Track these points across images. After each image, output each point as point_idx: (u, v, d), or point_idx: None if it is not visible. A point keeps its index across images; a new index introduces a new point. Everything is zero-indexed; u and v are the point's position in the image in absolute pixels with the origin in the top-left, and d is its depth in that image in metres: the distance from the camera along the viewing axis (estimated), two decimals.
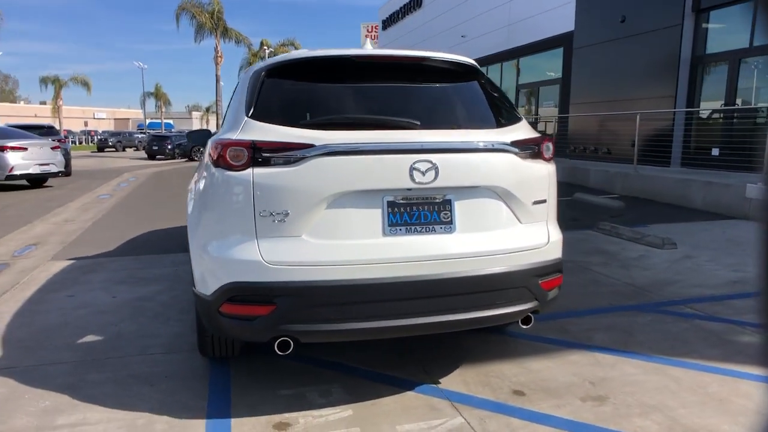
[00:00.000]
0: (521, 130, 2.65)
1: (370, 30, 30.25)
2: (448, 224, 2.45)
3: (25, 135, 12.82)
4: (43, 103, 56.95)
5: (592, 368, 2.96)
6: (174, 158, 26.30)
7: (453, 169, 2.41)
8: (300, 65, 2.72)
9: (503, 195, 2.52)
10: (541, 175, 2.63)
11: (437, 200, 2.44)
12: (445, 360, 3.08)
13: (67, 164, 14.65)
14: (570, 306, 3.86)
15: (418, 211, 2.41)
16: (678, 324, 3.62)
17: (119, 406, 2.56)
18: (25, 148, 11.85)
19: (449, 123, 2.62)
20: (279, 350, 2.32)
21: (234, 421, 2.46)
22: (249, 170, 2.28)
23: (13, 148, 11.66)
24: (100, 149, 39.93)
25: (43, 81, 43.60)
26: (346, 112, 2.57)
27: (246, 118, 2.44)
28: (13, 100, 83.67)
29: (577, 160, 12.80)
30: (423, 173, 2.34)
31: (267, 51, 39.42)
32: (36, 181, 12.68)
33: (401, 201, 2.39)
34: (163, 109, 65.02)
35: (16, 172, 11.65)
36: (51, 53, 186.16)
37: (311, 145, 2.27)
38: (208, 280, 2.39)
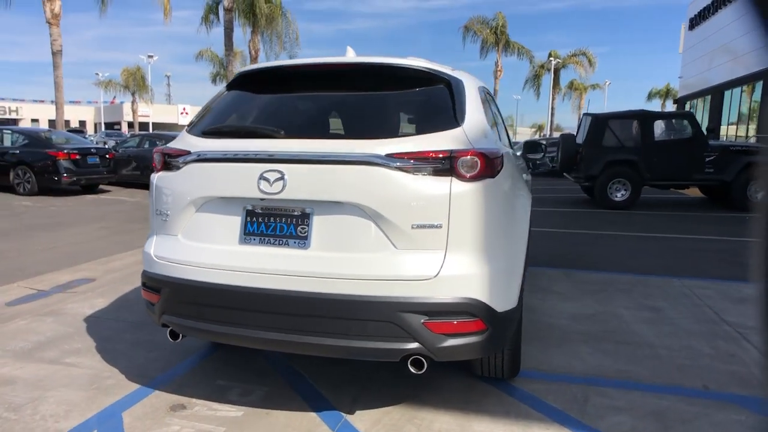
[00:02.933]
0: (424, 141, 2.23)
1: None
2: (303, 239, 2.26)
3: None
4: None
5: None
6: None
7: (306, 181, 2.22)
8: (236, 78, 2.85)
9: (372, 214, 2.19)
10: (431, 194, 2.17)
11: (295, 213, 2.28)
12: (385, 396, 2.78)
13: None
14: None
15: (275, 222, 2.30)
16: None
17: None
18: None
19: (338, 131, 2.40)
20: (170, 338, 2.54)
21: (153, 394, 2.77)
22: (155, 174, 2.57)
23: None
24: None
25: None
26: (254, 122, 2.60)
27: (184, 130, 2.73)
28: None
29: None
30: (270, 183, 2.23)
31: (554, 62, 38.56)
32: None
33: (260, 211, 2.32)
34: None
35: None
36: None
37: (188, 152, 2.42)
38: None
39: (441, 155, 2.18)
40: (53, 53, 17.26)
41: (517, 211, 2.55)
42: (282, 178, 2.23)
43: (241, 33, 20.33)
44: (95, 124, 55.80)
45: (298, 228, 2.28)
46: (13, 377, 2.92)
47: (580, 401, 2.74)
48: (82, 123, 54.90)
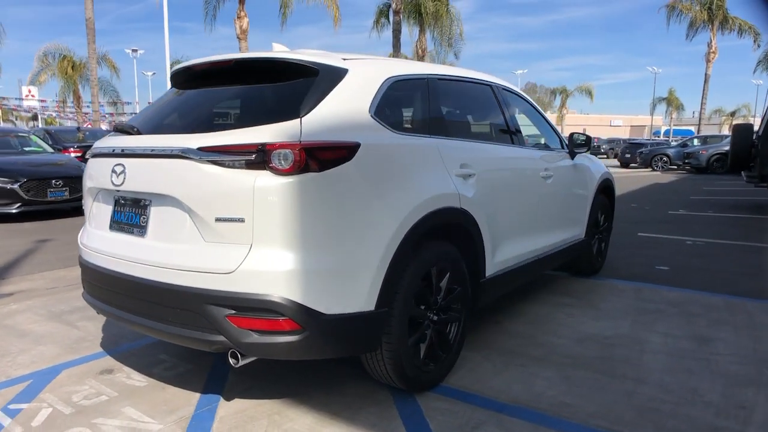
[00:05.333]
0: (243, 134, 2.16)
1: None
2: (143, 228, 2.40)
3: None
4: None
5: None
6: (650, 167, 25.05)
7: (139, 174, 2.35)
8: (170, 79, 3.05)
9: (186, 207, 2.22)
10: (234, 188, 2.10)
11: (141, 204, 2.42)
12: (275, 390, 2.77)
13: None
14: None
15: (129, 212, 2.48)
16: None
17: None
18: None
19: (186, 127, 2.44)
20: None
21: (103, 358, 3.19)
22: None
23: None
24: (593, 155, 41.75)
25: (552, 93, 49.22)
26: (143, 119, 2.81)
27: None
28: None
29: None
30: (117, 176, 2.43)
31: None
32: None
33: (122, 201, 2.52)
34: (674, 115, 61.64)
35: None
36: (593, 64, 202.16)
37: (92, 147, 2.74)
38: None
39: (250, 148, 2.12)
40: None
41: (369, 209, 2.31)
42: (124, 171, 2.42)
43: (408, 34, 21.01)
44: None
45: (141, 218, 2.44)
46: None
47: (464, 429, 2.40)
48: None
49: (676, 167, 23.95)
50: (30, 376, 2.94)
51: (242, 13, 17.74)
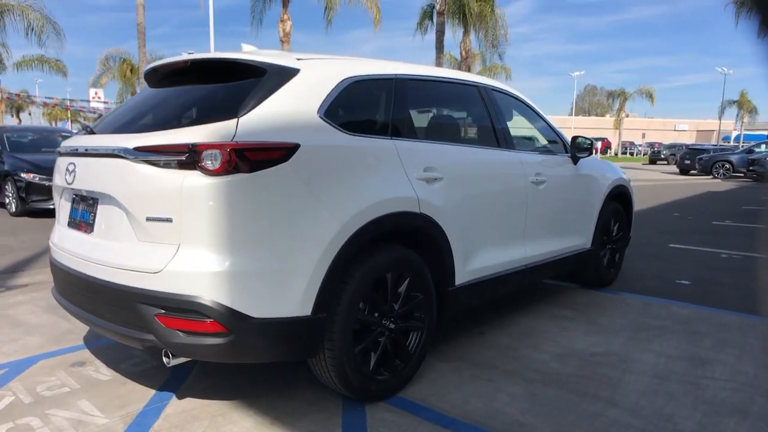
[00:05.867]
0: (177, 134, 2.17)
1: None
2: (91, 226, 2.44)
3: None
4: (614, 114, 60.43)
5: None
6: (710, 174, 23.71)
7: (86, 173, 2.42)
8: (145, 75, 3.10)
9: (122, 205, 2.25)
10: (163, 188, 2.10)
11: (89, 202, 2.47)
12: (228, 391, 2.77)
13: None
14: None
15: (82, 210, 2.53)
16: None
17: None
18: None
19: (138, 127, 2.46)
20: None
21: (81, 350, 3.28)
22: None
23: None
24: (652, 161, 39.97)
25: (610, 95, 47.35)
26: (111, 119, 2.86)
27: None
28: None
29: None
30: (69, 174, 2.49)
31: None
32: None
33: (77, 199, 2.58)
34: (745, 119, 58.17)
35: None
36: (659, 66, 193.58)
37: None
38: None
39: (182, 148, 2.12)
40: None
41: (306, 212, 2.25)
42: (74, 170, 2.49)
43: (452, 35, 20.72)
44: None
45: (90, 215, 2.49)
46: None
47: None
48: None
49: (741, 175, 22.55)
50: (7, 365, 3.07)
51: (285, 17, 18.08)
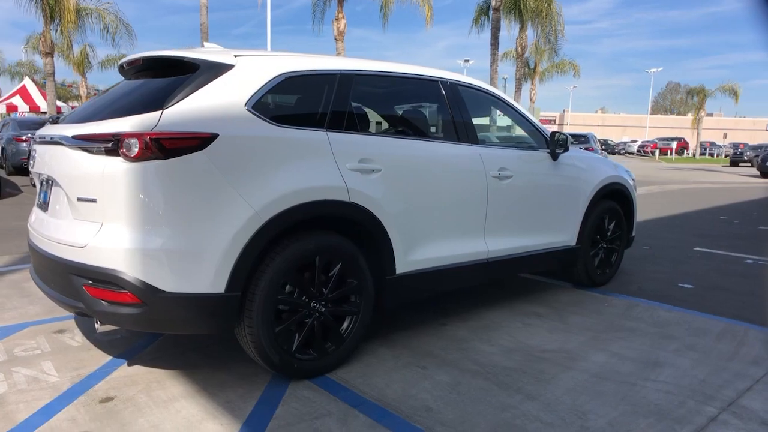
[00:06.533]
0: (109, 124, 2.41)
1: None
2: (47, 205, 2.74)
3: None
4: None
5: None
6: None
7: (42, 158, 2.71)
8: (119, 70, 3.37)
9: (62, 187, 2.54)
10: (90, 172, 2.37)
11: (48, 184, 2.76)
12: (183, 366, 3.02)
13: None
14: None
15: (44, 191, 2.84)
16: None
17: None
18: None
19: (88, 117, 2.69)
20: None
21: (69, 320, 3.65)
22: None
23: None
24: (734, 163, 37.32)
25: (689, 93, 44.48)
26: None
27: None
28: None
29: None
30: (32, 159, 2.82)
31: None
32: None
33: (42, 182, 2.88)
34: None
35: None
36: (754, 61, 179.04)
37: None
38: None
39: (108, 137, 2.36)
40: None
41: (219, 196, 2.42)
42: (35, 155, 2.80)
43: (507, 32, 20.32)
44: None
45: (49, 196, 2.79)
46: None
47: (305, 419, 2.44)
48: None
49: None
50: (0, 329, 3.47)
51: (340, 15, 18.43)
